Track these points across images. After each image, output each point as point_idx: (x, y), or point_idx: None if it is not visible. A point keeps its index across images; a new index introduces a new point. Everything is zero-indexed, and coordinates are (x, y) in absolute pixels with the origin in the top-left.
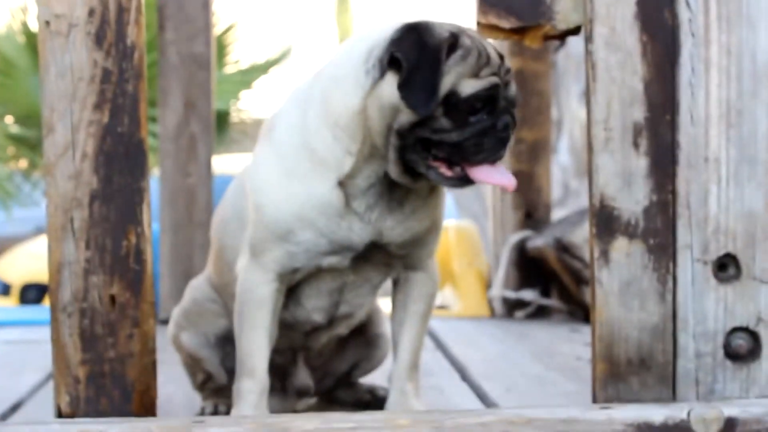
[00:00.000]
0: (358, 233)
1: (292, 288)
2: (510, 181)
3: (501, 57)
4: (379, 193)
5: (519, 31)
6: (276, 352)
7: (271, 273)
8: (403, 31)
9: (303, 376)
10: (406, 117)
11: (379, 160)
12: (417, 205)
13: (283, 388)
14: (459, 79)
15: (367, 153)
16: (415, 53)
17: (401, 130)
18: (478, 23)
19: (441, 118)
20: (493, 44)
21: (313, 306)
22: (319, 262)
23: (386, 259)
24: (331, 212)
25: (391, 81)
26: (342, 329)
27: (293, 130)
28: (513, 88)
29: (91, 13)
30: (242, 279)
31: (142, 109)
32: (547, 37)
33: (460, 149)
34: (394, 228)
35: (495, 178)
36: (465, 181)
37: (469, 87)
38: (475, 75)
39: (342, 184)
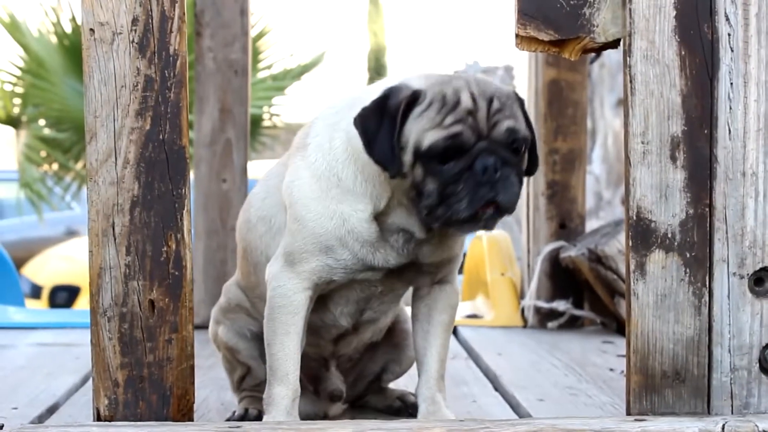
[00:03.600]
0: (395, 261)
1: (321, 294)
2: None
3: (488, 100)
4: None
5: (557, 44)
6: (308, 358)
7: (306, 282)
8: (370, 103)
9: (335, 381)
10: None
11: (410, 208)
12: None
13: (315, 392)
14: (422, 132)
15: (397, 202)
16: (375, 119)
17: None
18: (517, 35)
19: (417, 171)
20: (484, 87)
21: (341, 312)
22: (355, 277)
23: (417, 274)
24: (368, 242)
25: None
26: (368, 334)
27: (322, 154)
28: (502, 128)
29: (134, 21)
30: (275, 285)
31: (184, 116)
32: (586, 50)
33: (442, 197)
34: (430, 254)
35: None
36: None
37: (428, 139)
38: (439, 125)
39: (378, 219)
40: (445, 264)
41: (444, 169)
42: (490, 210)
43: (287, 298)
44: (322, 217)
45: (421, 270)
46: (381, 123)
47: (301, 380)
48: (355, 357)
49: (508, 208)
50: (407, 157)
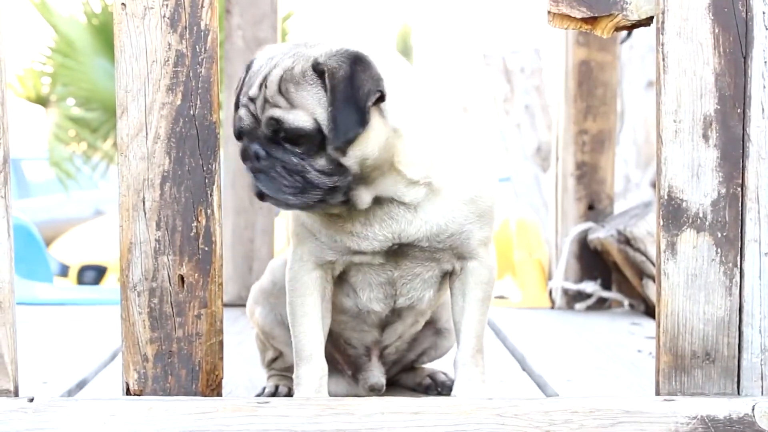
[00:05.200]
0: (369, 245)
1: (346, 278)
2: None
3: (266, 86)
4: (363, 210)
5: (590, 21)
6: (348, 345)
7: (310, 263)
8: None
9: (377, 374)
10: None
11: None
12: (422, 202)
13: (354, 377)
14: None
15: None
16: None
17: None
18: (549, 12)
19: None
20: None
21: (368, 297)
22: (350, 259)
23: (427, 253)
24: (331, 227)
25: None
26: (411, 320)
27: None
28: (264, 117)
29: None
30: (288, 269)
31: (215, 92)
32: (618, 28)
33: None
34: (411, 230)
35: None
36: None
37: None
38: (240, 103)
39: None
40: (450, 238)
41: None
42: (269, 198)
43: (297, 281)
44: None
45: (425, 249)
46: (236, 89)
47: (338, 363)
48: (402, 348)
49: (278, 201)
50: None
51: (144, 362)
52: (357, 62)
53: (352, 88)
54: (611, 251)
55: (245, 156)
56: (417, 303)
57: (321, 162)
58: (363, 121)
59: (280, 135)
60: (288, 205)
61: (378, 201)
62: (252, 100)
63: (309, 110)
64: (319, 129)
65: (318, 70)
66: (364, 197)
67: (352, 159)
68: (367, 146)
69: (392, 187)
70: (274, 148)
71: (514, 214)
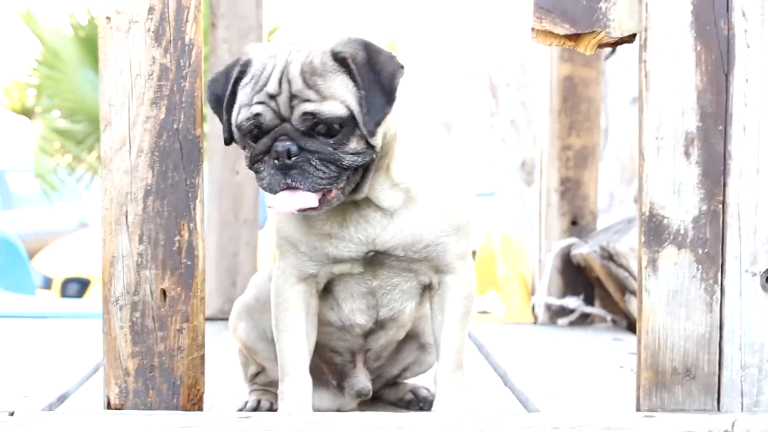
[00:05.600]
0: (346, 248)
1: (330, 290)
2: (286, 206)
3: (290, 81)
4: (341, 211)
5: (573, 38)
6: (335, 353)
7: (293, 277)
8: (223, 68)
9: (362, 379)
10: None
11: None
12: (399, 210)
13: (339, 386)
14: (238, 107)
15: None
16: (221, 85)
17: None
18: (533, 29)
19: (242, 142)
20: (299, 64)
21: (350, 308)
22: (330, 270)
23: (404, 264)
24: (311, 233)
25: None
26: (393, 331)
27: None
28: (298, 113)
29: (150, 10)
30: (272, 284)
31: (199, 106)
32: (601, 45)
33: (254, 171)
34: (387, 238)
35: (277, 204)
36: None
37: (240, 115)
38: (248, 104)
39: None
40: (426, 249)
41: (254, 145)
42: (297, 191)
43: (280, 295)
44: (282, 216)
45: (401, 258)
46: (224, 90)
47: (323, 374)
48: (384, 355)
49: (312, 190)
50: (233, 127)
51: (125, 376)
52: (369, 47)
53: (374, 71)
54: (594, 267)
55: (268, 154)
56: (399, 315)
57: (353, 145)
58: (390, 101)
59: (318, 128)
60: (319, 190)
61: (357, 202)
62: (272, 97)
63: (340, 98)
64: (352, 115)
65: (338, 58)
66: (367, 184)
67: (378, 137)
68: (386, 122)
69: (379, 186)
70: (308, 141)
71: (498, 229)
